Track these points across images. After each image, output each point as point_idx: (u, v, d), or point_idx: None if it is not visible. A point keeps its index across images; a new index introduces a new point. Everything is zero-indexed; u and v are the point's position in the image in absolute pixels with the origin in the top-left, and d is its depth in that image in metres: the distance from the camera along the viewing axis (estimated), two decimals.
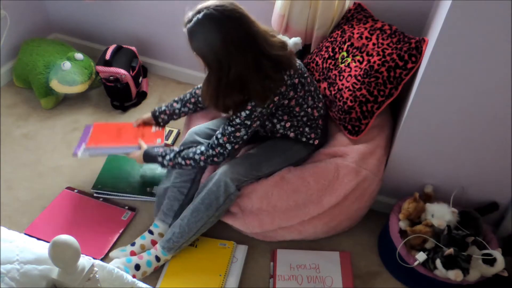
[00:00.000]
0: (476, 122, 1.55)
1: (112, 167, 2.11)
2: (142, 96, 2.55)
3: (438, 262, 1.57)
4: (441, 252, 1.58)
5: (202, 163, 1.68)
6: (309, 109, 1.72)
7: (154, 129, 1.97)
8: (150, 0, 2.41)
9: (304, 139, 1.77)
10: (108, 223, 1.88)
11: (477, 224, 1.68)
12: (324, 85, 1.89)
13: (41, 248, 1.20)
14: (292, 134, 1.75)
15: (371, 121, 1.78)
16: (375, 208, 1.94)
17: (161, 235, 1.78)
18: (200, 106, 1.94)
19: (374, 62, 1.75)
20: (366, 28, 1.86)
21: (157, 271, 1.72)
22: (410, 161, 1.77)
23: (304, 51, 2.05)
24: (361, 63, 1.79)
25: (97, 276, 1.15)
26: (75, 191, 2.01)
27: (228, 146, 1.64)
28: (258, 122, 1.62)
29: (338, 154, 1.79)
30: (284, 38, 1.86)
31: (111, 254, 1.72)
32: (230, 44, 1.47)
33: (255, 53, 1.51)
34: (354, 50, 1.83)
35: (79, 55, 2.39)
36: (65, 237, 1.06)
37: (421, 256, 1.61)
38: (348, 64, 1.82)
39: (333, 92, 1.84)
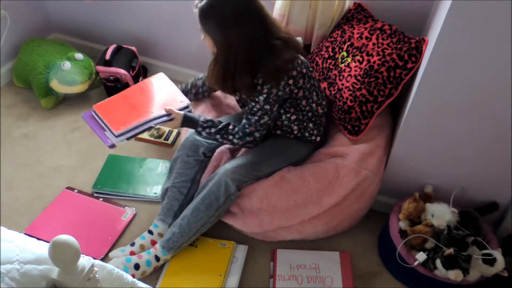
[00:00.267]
0: (476, 122, 1.55)
1: (112, 167, 2.11)
2: None
3: (438, 262, 1.57)
4: (441, 252, 1.58)
5: (238, 146, 1.81)
6: (314, 105, 1.73)
7: (156, 82, 1.87)
8: (150, 0, 2.41)
9: (306, 134, 1.78)
10: (108, 223, 1.88)
11: (477, 224, 1.68)
12: (324, 85, 1.89)
13: (41, 248, 1.20)
14: (295, 128, 1.76)
15: (371, 121, 1.79)
16: (375, 208, 1.94)
17: (160, 235, 1.77)
18: (201, 94, 2.00)
19: (374, 62, 1.75)
20: (366, 28, 1.86)
21: (157, 271, 1.72)
22: (410, 161, 1.77)
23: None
24: (361, 63, 1.79)
25: (97, 276, 1.15)
26: (75, 191, 2.01)
27: (257, 134, 1.70)
28: (276, 106, 1.65)
29: (338, 154, 1.79)
30: None
31: (111, 254, 1.72)
32: (242, 23, 1.50)
33: (265, 33, 1.55)
34: (354, 50, 1.83)
35: (79, 55, 2.39)
36: (65, 237, 1.06)
37: (421, 256, 1.61)
38: (348, 64, 1.82)
39: (333, 92, 1.84)
